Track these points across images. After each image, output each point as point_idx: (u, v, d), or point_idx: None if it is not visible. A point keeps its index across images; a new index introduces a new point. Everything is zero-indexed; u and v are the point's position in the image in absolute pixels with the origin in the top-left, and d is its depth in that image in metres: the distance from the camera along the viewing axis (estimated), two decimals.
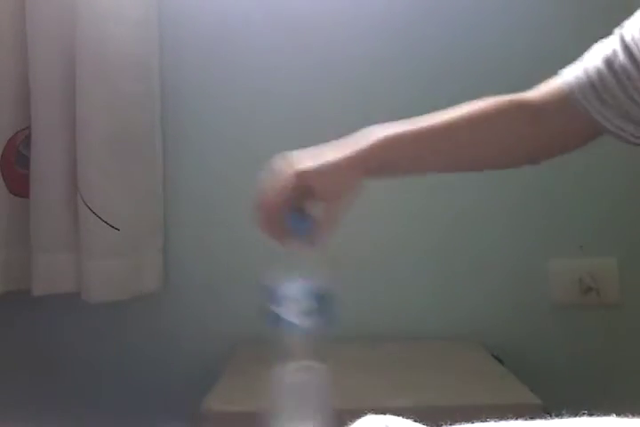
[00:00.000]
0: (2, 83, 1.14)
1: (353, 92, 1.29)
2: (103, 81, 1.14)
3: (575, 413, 0.41)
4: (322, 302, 0.65)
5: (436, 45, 1.29)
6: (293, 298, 0.65)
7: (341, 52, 1.29)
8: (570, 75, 0.76)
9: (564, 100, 0.75)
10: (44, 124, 1.15)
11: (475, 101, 0.79)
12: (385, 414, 0.40)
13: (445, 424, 0.41)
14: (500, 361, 1.14)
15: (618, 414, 0.39)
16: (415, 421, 0.40)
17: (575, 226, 1.29)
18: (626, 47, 0.71)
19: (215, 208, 1.30)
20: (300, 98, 1.29)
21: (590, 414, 0.40)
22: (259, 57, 1.29)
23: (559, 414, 0.41)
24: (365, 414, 0.41)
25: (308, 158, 0.74)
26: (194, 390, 0.97)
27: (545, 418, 0.40)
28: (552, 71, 1.21)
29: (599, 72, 0.73)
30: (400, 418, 0.40)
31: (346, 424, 0.40)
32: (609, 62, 0.72)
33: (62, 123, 1.15)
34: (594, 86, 0.73)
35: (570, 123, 0.75)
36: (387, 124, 0.76)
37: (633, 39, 0.70)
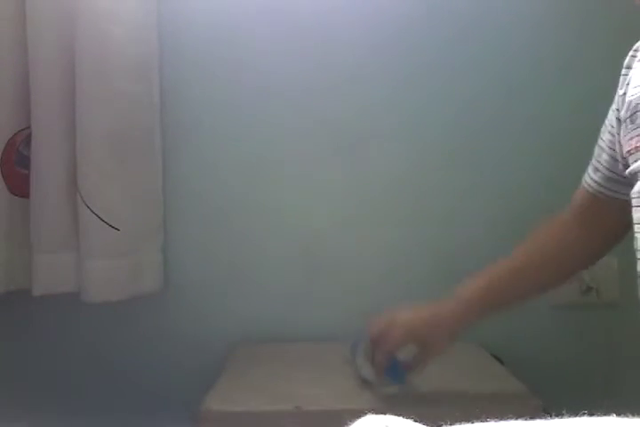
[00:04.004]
0: (2, 83, 1.14)
1: (353, 91, 1.29)
2: (103, 81, 1.14)
3: (575, 413, 0.41)
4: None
5: (438, 44, 1.29)
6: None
7: (342, 52, 1.29)
8: (590, 178, 0.88)
9: (597, 200, 0.87)
10: (44, 124, 1.15)
11: (530, 240, 0.94)
12: (385, 414, 0.40)
13: (445, 424, 0.41)
14: (500, 361, 1.14)
15: (618, 415, 0.39)
16: (415, 421, 0.40)
17: None
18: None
19: (215, 208, 1.30)
20: (301, 98, 1.29)
21: (590, 414, 0.40)
22: (259, 57, 1.29)
23: (559, 414, 0.41)
24: (365, 414, 0.41)
25: (416, 313, 0.90)
26: (194, 390, 0.97)
27: (545, 418, 0.40)
28: (552, 71, 1.21)
29: (604, 163, 0.85)
30: (400, 418, 0.40)
31: (346, 424, 0.40)
32: (607, 151, 0.84)
33: (62, 123, 1.15)
34: (607, 176, 0.85)
35: (613, 215, 0.86)
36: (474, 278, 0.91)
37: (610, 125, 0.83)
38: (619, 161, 0.81)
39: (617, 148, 0.81)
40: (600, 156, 0.86)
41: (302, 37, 1.28)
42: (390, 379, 0.88)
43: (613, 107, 0.83)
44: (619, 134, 0.80)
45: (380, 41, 1.29)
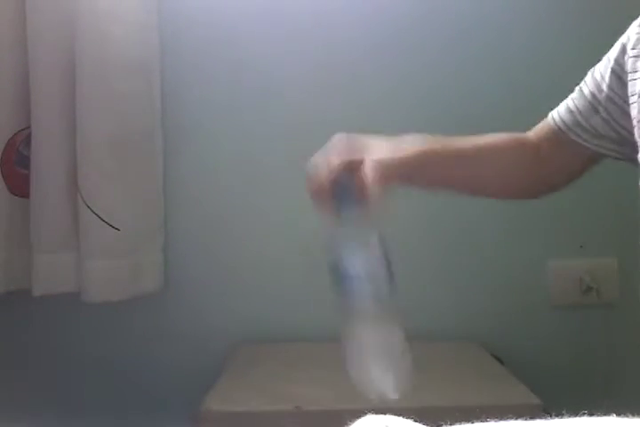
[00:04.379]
0: (2, 83, 1.14)
1: (353, 91, 1.29)
2: (103, 81, 1.14)
3: (575, 413, 0.41)
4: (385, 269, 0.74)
5: (438, 45, 1.29)
6: (360, 268, 0.72)
7: (342, 53, 1.29)
8: (558, 115, 0.86)
9: (558, 138, 0.85)
10: (44, 124, 1.15)
11: (488, 135, 0.88)
12: (385, 414, 0.40)
13: (445, 424, 0.41)
14: (500, 361, 1.14)
15: (618, 415, 0.39)
16: (415, 421, 0.40)
17: (575, 226, 1.29)
18: (595, 81, 0.81)
19: (215, 208, 1.30)
20: (301, 98, 1.29)
21: (590, 414, 0.40)
22: (259, 58, 1.29)
23: (559, 414, 0.41)
24: (365, 414, 0.40)
25: (359, 146, 0.80)
26: (194, 390, 0.97)
27: (545, 418, 0.40)
28: (551, 73, 1.21)
29: (581, 108, 0.83)
30: (400, 418, 0.40)
31: (346, 424, 0.40)
32: (588, 98, 0.82)
33: (62, 123, 1.15)
34: (578, 121, 0.83)
35: (567, 156, 0.85)
36: (424, 137, 0.84)
37: (600, 74, 0.81)
38: (599, 112, 0.80)
39: (603, 101, 0.79)
40: (578, 100, 0.84)
41: (302, 38, 1.28)
42: (342, 209, 0.76)
43: (612, 59, 0.79)
44: (612, 91, 0.78)
45: (380, 41, 1.29)
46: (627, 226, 1.27)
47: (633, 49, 0.75)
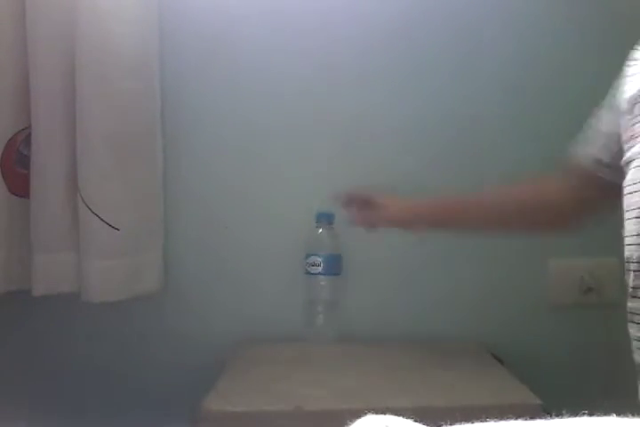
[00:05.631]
0: (2, 83, 1.14)
1: (353, 92, 1.29)
2: (103, 81, 1.14)
3: (575, 413, 0.41)
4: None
5: (438, 44, 1.29)
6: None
7: (342, 52, 1.29)
8: (580, 153, 0.93)
9: (584, 175, 0.92)
10: (44, 124, 1.15)
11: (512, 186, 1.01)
12: (385, 414, 0.40)
13: (445, 424, 0.41)
14: (500, 361, 1.14)
15: (618, 415, 0.39)
16: (415, 421, 0.40)
17: None
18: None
19: (216, 208, 1.30)
20: (301, 98, 1.29)
21: (590, 414, 0.40)
22: (259, 57, 1.29)
23: (559, 414, 0.41)
24: (365, 414, 0.40)
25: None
26: (194, 390, 0.97)
27: (545, 418, 0.40)
28: (552, 71, 1.21)
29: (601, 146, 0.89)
30: (400, 418, 0.40)
31: (346, 424, 0.40)
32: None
33: (62, 123, 1.15)
34: (599, 159, 0.89)
35: (596, 191, 0.91)
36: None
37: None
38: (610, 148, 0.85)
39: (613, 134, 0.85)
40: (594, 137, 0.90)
41: (303, 37, 1.28)
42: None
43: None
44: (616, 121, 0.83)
45: (380, 41, 1.29)
46: None
47: (624, 78, 0.83)
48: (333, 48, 1.29)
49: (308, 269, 1.23)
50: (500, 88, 1.29)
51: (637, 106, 0.76)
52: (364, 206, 1.07)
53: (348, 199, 1.09)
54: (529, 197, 0.99)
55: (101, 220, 1.14)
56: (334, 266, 1.23)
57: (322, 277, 1.23)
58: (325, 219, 1.24)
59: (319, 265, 1.21)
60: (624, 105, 0.80)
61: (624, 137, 0.78)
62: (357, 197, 1.09)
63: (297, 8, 1.28)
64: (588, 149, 0.91)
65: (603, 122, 0.88)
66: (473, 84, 1.29)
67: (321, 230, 1.24)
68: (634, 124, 0.75)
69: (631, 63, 0.84)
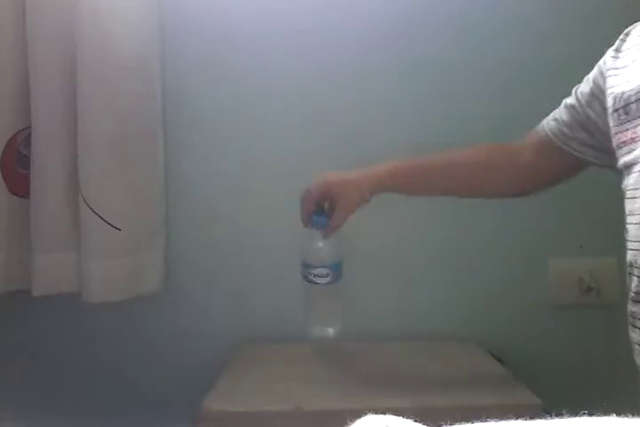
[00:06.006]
0: (2, 83, 1.14)
1: (353, 91, 1.29)
2: (104, 81, 1.14)
3: (575, 413, 0.41)
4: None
5: (436, 45, 1.29)
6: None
7: (342, 52, 1.29)
8: (548, 124, 0.95)
9: (547, 145, 0.95)
10: (44, 124, 1.15)
11: (473, 146, 1.01)
12: (385, 414, 0.40)
13: (445, 424, 0.41)
14: (500, 361, 1.14)
15: (618, 414, 0.39)
16: (415, 421, 0.40)
17: (575, 226, 1.29)
18: (577, 99, 0.90)
19: (217, 208, 1.30)
20: (301, 98, 1.29)
21: (590, 414, 0.40)
22: (259, 57, 1.29)
23: (559, 414, 0.41)
24: (365, 414, 0.40)
25: (338, 174, 1.00)
26: (194, 390, 0.97)
27: (545, 418, 0.40)
28: (552, 71, 1.21)
29: (567, 120, 0.92)
30: (400, 418, 0.40)
31: (346, 424, 0.40)
32: (572, 113, 0.92)
33: (63, 123, 1.15)
34: (564, 132, 0.92)
35: (557, 162, 0.94)
36: (402, 158, 1.00)
37: (581, 93, 0.90)
38: (582, 126, 0.89)
39: (585, 117, 0.88)
40: (564, 113, 0.93)
41: (302, 38, 1.28)
42: (314, 227, 1.00)
43: (591, 80, 0.87)
44: (591, 108, 0.86)
45: (380, 41, 1.29)
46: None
47: (608, 70, 0.83)
48: (333, 48, 1.29)
49: (314, 279, 1.09)
50: (499, 88, 1.29)
51: (633, 106, 0.75)
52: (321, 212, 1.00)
53: (307, 207, 1.00)
54: (482, 159, 1.00)
55: (103, 220, 1.14)
56: (340, 272, 1.12)
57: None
58: (321, 226, 1.06)
59: (327, 276, 1.09)
60: (611, 101, 0.79)
61: (622, 138, 0.77)
62: (314, 202, 1.00)
63: (297, 8, 1.29)
64: (554, 121, 0.94)
65: (579, 99, 0.90)
66: (473, 84, 1.29)
67: (321, 244, 1.07)
68: (636, 126, 0.74)
69: (619, 55, 0.82)
